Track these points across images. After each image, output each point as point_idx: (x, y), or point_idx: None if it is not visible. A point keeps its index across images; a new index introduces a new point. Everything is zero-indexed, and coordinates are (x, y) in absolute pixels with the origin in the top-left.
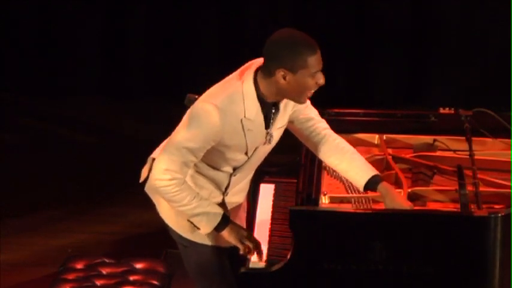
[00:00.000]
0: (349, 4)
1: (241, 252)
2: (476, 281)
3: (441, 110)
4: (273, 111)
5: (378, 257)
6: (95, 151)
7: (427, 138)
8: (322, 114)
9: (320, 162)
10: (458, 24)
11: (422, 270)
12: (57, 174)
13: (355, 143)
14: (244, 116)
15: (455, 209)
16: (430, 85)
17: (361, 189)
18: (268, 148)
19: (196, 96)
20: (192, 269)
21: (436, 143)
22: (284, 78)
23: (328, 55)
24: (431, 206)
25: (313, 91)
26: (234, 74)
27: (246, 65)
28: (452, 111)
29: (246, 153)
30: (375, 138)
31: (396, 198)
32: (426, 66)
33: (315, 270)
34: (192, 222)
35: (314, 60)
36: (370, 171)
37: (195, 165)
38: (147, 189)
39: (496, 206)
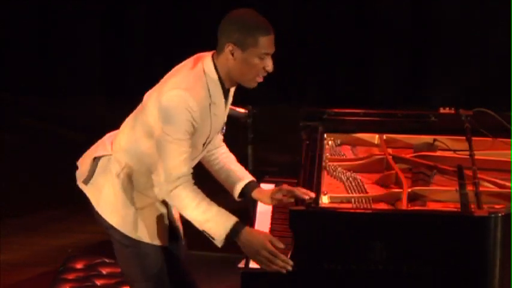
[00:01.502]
0: (349, 4)
1: (262, 267)
2: (476, 280)
3: (441, 110)
4: (224, 100)
5: (378, 257)
6: None
7: (427, 138)
8: (322, 114)
9: (320, 162)
10: (459, 24)
11: (422, 270)
12: (57, 174)
13: (355, 143)
14: (211, 100)
15: (455, 209)
16: (430, 85)
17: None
18: (212, 144)
19: None
20: (131, 270)
21: (436, 143)
22: (232, 54)
23: (329, 55)
24: (432, 206)
25: (261, 77)
26: (186, 63)
27: (196, 55)
28: (453, 111)
29: (204, 144)
30: (375, 138)
31: (267, 191)
32: (426, 66)
33: (315, 270)
34: (206, 232)
35: (265, 41)
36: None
37: (149, 158)
38: (85, 188)
39: (496, 206)
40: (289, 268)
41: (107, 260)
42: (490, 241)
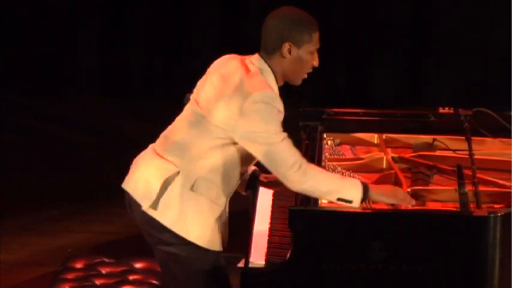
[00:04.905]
0: (349, 4)
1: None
2: (476, 280)
3: (440, 110)
4: None
5: (378, 256)
6: (95, 151)
7: (427, 138)
8: (321, 114)
9: (319, 161)
10: (459, 24)
11: (421, 270)
12: (57, 175)
13: (354, 143)
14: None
15: (454, 209)
16: (430, 85)
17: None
18: None
19: None
20: (203, 283)
21: (436, 143)
22: (289, 52)
23: (329, 55)
24: (431, 205)
25: (307, 73)
26: (233, 69)
27: (232, 60)
28: (452, 111)
29: None
30: (374, 137)
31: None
32: (426, 66)
33: (315, 269)
34: (341, 199)
35: (317, 36)
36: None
37: (224, 168)
38: (155, 213)
39: (496, 206)
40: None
41: (106, 260)
42: (489, 241)
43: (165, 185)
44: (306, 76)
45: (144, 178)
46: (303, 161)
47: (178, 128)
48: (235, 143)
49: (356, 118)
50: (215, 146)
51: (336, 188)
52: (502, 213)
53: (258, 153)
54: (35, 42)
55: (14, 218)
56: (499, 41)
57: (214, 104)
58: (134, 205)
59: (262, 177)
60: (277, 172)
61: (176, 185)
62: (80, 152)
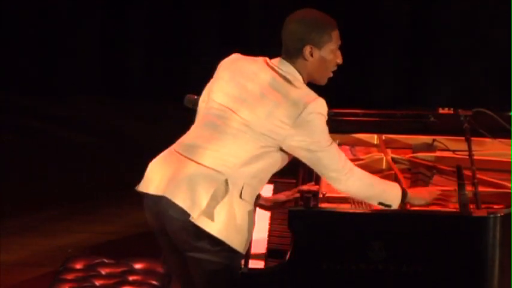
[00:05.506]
0: (349, 4)
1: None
2: (476, 281)
3: (440, 110)
4: None
5: (378, 256)
6: (95, 151)
7: (427, 138)
8: None
9: None
10: (459, 24)
11: (421, 270)
12: (57, 174)
13: (354, 143)
14: None
15: (454, 209)
16: (430, 85)
17: None
18: None
19: (196, 97)
20: (220, 282)
21: (436, 143)
22: (311, 54)
23: None
24: (431, 206)
25: (332, 72)
26: (265, 69)
27: (257, 60)
28: (452, 112)
29: None
30: (374, 138)
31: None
32: (426, 66)
33: (314, 270)
34: (383, 203)
35: (336, 34)
36: None
37: (264, 173)
38: (204, 221)
39: (495, 206)
40: None
41: (106, 261)
42: (489, 241)
43: (215, 194)
44: (331, 75)
45: (189, 186)
46: (350, 165)
47: (208, 133)
48: (279, 150)
49: (356, 119)
50: (261, 153)
51: (379, 193)
52: (502, 213)
53: (307, 159)
54: (35, 42)
55: (14, 218)
56: (499, 41)
57: (246, 106)
58: (171, 211)
59: (263, 200)
60: (324, 175)
61: (226, 193)
62: (80, 152)
